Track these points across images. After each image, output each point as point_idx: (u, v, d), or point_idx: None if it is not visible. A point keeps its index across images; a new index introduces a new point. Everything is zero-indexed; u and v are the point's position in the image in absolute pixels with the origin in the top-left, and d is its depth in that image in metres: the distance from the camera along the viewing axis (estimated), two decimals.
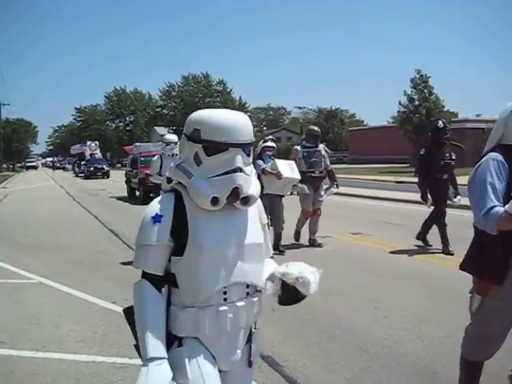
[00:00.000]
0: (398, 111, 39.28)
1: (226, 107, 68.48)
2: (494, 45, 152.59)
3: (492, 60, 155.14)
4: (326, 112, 71.62)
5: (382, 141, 48.52)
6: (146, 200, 18.77)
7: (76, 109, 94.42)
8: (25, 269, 8.15)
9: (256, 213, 2.24)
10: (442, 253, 8.30)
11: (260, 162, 8.74)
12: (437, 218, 8.49)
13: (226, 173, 2.03)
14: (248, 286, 2.15)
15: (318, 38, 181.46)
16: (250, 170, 2.14)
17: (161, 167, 8.55)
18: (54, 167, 73.13)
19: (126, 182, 23.31)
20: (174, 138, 8.87)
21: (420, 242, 8.91)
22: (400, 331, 5.02)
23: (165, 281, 2.13)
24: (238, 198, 2.05)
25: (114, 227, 12.62)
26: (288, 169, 8.62)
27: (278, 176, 8.44)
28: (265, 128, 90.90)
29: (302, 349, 4.65)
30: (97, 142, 58.52)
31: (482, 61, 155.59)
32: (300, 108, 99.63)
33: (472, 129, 43.30)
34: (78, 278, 7.51)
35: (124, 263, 8.11)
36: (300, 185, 8.85)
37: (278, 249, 8.47)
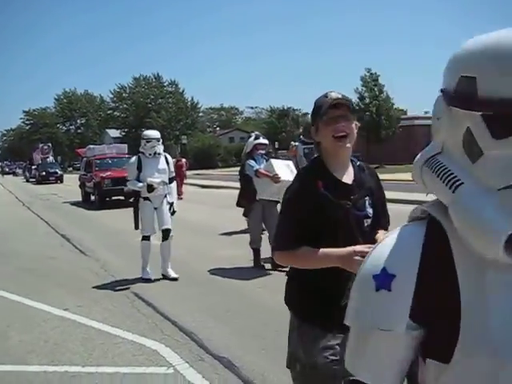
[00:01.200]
0: None
1: (179, 108, 68.54)
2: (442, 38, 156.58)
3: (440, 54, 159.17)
4: (279, 111, 71.98)
5: None
6: (102, 204, 18.45)
7: (24, 112, 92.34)
8: None
9: None
10: None
11: (251, 162, 7.60)
12: None
13: None
14: None
15: (268, 38, 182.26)
16: None
17: (140, 170, 7.32)
18: (2, 172, 70.78)
19: (80, 186, 22.45)
20: (155, 133, 7.64)
21: None
22: None
23: None
24: None
25: (66, 232, 12.36)
26: (286, 170, 7.49)
27: (276, 179, 7.19)
28: (218, 128, 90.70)
29: (258, 349, 4.66)
30: (49, 145, 55.30)
31: (429, 56, 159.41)
32: (252, 108, 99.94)
33: (421, 125, 44.37)
34: (29, 286, 7.32)
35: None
36: None
37: (275, 264, 7.15)
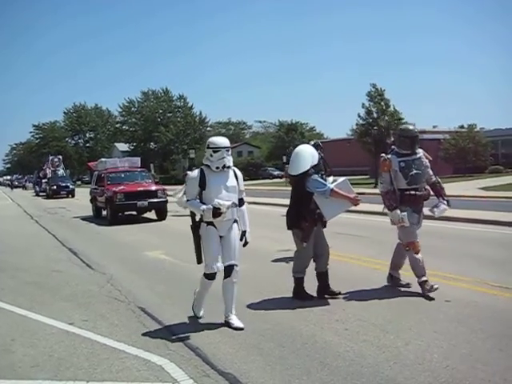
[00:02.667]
0: (357, 124, 39.86)
1: (187, 122, 68.76)
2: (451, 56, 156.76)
3: (447, 72, 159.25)
4: (287, 125, 72.15)
5: (341, 153, 49.14)
6: (114, 220, 17.64)
7: (34, 126, 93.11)
8: None
9: None
10: None
11: (317, 177, 6.49)
12: None
13: None
14: None
15: (275, 53, 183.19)
16: None
17: (202, 188, 5.69)
18: (12, 186, 70.96)
19: (91, 200, 21.42)
20: (224, 141, 5.90)
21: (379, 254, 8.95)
22: (361, 343, 5.04)
23: None
24: None
25: (73, 246, 12.38)
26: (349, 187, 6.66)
27: (356, 201, 6.50)
28: None
29: (263, 364, 4.60)
30: (60, 157, 53.67)
31: (438, 73, 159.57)
32: (260, 122, 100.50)
33: (429, 140, 44.32)
34: (35, 300, 7.31)
35: None
36: (400, 213, 6.57)
37: (330, 291, 6.72)
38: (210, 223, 5.64)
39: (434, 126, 55.18)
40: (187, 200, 5.77)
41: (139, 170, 21.44)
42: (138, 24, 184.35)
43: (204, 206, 5.57)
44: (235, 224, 5.84)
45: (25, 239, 14.54)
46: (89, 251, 11.60)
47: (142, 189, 18.35)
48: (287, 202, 7.11)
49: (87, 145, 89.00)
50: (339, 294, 6.72)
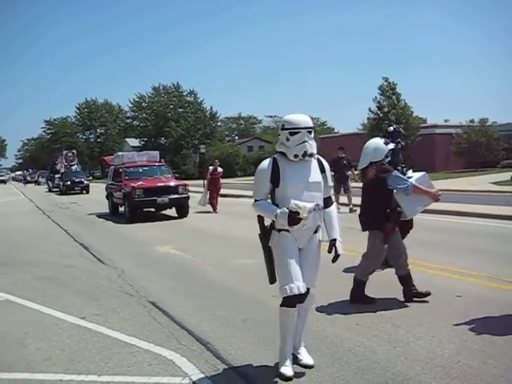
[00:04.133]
0: (368, 118, 39.72)
1: (198, 117, 68.76)
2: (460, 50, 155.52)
3: (459, 68, 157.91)
4: None
5: (352, 148, 48.95)
6: (132, 217, 16.69)
7: (46, 121, 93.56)
8: None
9: None
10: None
11: (397, 173, 6.09)
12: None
13: None
14: None
15: (287, 46, 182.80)
16: None
17: (275, 184, 4.31)
18: (25, 181, 71.16)
19: (107, 196, 20.33)
20: (304, 119, 4.32)
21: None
22: (372, 338, 5.03)
23: None
24: None
25: (84, 241, 12.46)
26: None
27: (437, 196, 6.12)
28: (236, 137, 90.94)
29: (273, 359, 4.60)
30: (74, 152, 50.67)
31: (450, 68, 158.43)
32: (271, 117, 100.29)
33: (441, 134, 44.05)
34: (47, 294, 7.37)
35: None
36: None
37: (418, 293, 6.14)
38: (285, 230, 4.25)
39: (446, 120, 54.77)
40: (255, 200, 4.37)
41: (158, 164, 20.38)
42: (147, 19, 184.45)
43: (278, 210, 4.18)
44: (317, 234, 4.44)
45: (36, 234, 14.64)
46: (100, 246, 11.66)
47: (162, 184, 17.46)
48: None
49: (98, 140, 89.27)
50: (428, 294, 6.09)
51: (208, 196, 18.58)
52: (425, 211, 6.92)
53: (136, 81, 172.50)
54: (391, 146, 6.22)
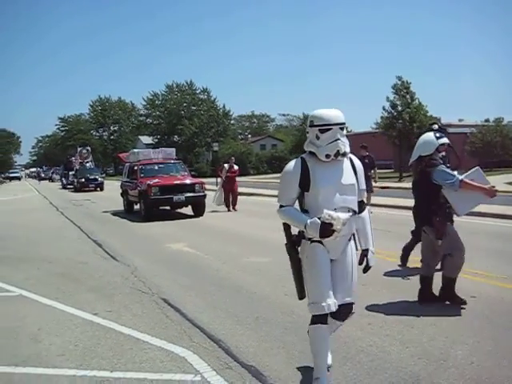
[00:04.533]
0: (382, 117, 39.51)
1: (211, 115, 68.85)
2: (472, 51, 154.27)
3: (475, 66, 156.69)
4: None
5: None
6: (148, 215, 16.42)
7: (60, 118, 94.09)
8: (5, 282, 8.03)
9: None
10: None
11: (444, 167, 5.79)
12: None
13: None
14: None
15: (300, 45, 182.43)
16: None
17: (304, 188, 3.85)
18: (39, 178, 71.45)
19: (122, 194, 20.19)
20: (336, 114, 3.83)
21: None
22: (384, 338, 5.01)
23: None
24: None
25: (98, 238, 12.53)
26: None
27: (493, 192, 5.81)
28: (249, 136, 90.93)
29: (285, 358, 4.60)
30: (88, 148, 50.91)
31: (463, 67, 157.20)
32: (284, 115, 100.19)
33: (455, 133, 43.74)
34: (60, 290, 7.42)
35: None
36: None
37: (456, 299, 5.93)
38: (317, 240, 3.82)
39: (460, 120, 54.38)
40: (280, 206, 3.92)
41: (174, 161, 19.97)
42: (160, 16, 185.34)
43: (308, 220, 3.72)
44: (352, 242, 4.04)
45: (50, 231, 14.76)
46: (113, 243, 11.72)
47: (178, 182, 17.26)
48: None
49: (111, 137, 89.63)
50: (465, 303, 5.85)
51: (223, 195, 18.39)
52: None
53: (148, 78, 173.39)
54: (443, 140, 5.94)
